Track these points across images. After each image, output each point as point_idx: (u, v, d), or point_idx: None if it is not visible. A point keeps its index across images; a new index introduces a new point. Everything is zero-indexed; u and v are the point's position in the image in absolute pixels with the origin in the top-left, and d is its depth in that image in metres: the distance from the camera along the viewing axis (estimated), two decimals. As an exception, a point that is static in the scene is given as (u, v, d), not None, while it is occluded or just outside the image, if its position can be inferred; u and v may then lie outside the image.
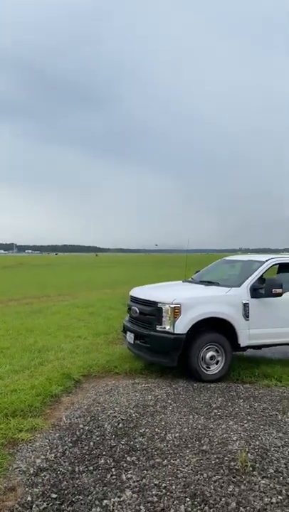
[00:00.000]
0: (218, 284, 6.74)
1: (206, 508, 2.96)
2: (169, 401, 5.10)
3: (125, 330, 6.87)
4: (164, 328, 5.86)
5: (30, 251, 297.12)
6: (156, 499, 3.06)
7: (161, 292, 6.62)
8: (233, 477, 3.35)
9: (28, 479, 3.36)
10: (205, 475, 3.37)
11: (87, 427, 4.34)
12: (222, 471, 3.45)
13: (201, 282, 7.16)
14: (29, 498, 3.09)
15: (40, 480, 3.34)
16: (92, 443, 3.99)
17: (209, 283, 6.93)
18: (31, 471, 3.47)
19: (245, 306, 6.08)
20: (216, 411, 4.80)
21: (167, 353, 5.83)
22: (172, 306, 5.79)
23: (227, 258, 8.38)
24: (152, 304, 6.11)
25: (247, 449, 3.80)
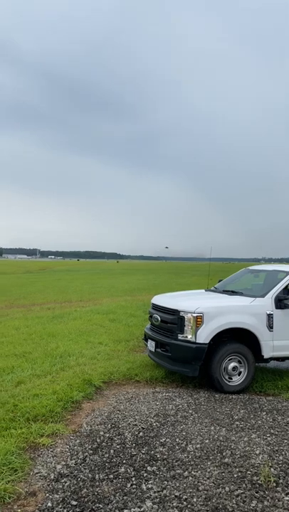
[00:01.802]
0: (241, 294, 6.66)
1: (228, 523, 2.90)
2: (190, 411, 5.05)
3: (146, 338, 6.85)
4: (186, 337, 5.82)
5: (52, 256, 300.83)
6: (176, 511, 3.01)
7: (183, 300, 6.58)
8: (256, 492, 3.27)
9: (48, 485, 3.36)
10: (227, 489, 3.31)
11: (107, 435, 4.33)
12: (244, 485, 3.37)
13: (225, 291, 7.09)
14: (49, 504, 3.09)
15: (61, 486, 3.34)
16: (112, 451, 3.98)
17: (233, 292, 6.86)
18: (52, 477, 3.48)
19: (270, 316, 5.98)
20: (238, 423, 4.72)
21: (189, 362, 5.77)
22: (195, 315, 5.75)
23: (251, 267, 8.27)
24: (174, 312, 6.07)
25: (270, 464, 3.71)
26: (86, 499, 3.17)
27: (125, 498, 3.18)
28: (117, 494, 3.24)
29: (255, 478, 3.48)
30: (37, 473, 3.55)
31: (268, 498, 3.20)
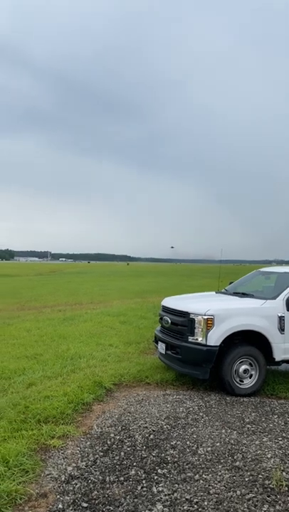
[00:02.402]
0: (252, 296, 6.61)
1: (240, 527, 2.87)
2: (201, 414, 5.02)
3: (157, 340, 6.84)
4: (197, 339, 5.80)
5: (63, 259, 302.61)
6: (187, 514, 3.00)
7: (194, 303, 6.55)
8: (268, 496, 3.24)
9: (59, 486, 3.37)
10: (238, 492, 3.28)
11: (118, 437, 4.32)
12: (256, 489, 3.34)
13: (235, 294, 7.05)
14: (60, 506, 3.10)
15: (72, 488, 3.35)
16: (123, 453, 3.97)
17: (244, 295, 6.81)
18: (63, 479, 3.48)
19: (281, 319, 5.92)
20: (249, 426, 4.68)
21: (199, 365, 5.75)
22: (205, 317, 5.72)
23: (262, 269, 8.21)
24: (185, 314, 6.05)
25: (282, 468, 3.67)
26: (97, 501, 3.17)
27: (136, 500, 3.18)
28: (128, 497, 3.23)
29: (266, 482, 3.44)
30: (48, 474, 3.56)
31: (279, 502, 3.17)
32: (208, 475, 3.56)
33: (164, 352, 6.37)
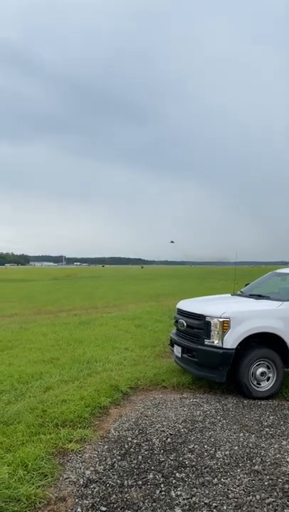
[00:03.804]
0: (268, 298, 6.55)
1: (260, 531, 2.84)
2: (218, 417, 4.99)
3: (172, 343, 6.82)
4: (213, 342, 5.77)
5: (78, 263, 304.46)
6: (206, 519, 2.98)
7: (209, 305, 6.53)
8: (288, 501, 3.20)
9: (78, 490, 3.38)
10: (258, 497, 3.25)
11: (135, 441, 4.32)
12: (276, 493, 3.30)
13: (251, 296, 6.99)
14: (79, 510, 3.11)
15: (90, 492, 3.36)
16: (140, 457, 3.97)
17: (260, 296, 6.76)
18: (81, 482, 3.49)
19: (298, 321, 5.85)
20: (267, 429, 4.63)
21: (216, 368, 5.71)
22: (221, 319, 5.69)
23: (278, 271, 8.13)
24: (200, 317, 6.03)
25: (302, 472, 3.62)
26: (115, 505, 3.17)
27: (154, 504, 3.17)
28: (146, 501, 3.22)
29: (286, 486, 3.40)
30: (66, 478, 3.57)
31: (300, 507, 3.12)
32: (226, 479, 3.53)
33: (180, 355, 6.35)
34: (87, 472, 3.67)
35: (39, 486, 3.37)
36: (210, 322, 5.81)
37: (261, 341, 5.85)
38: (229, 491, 3.33)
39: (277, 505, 3.13)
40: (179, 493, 3.33)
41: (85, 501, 3.22)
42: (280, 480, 3.50)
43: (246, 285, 8.06)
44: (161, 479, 3.55)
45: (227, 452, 4.04)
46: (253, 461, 3.86)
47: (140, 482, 3.51)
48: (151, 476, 3.61)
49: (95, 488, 3.42)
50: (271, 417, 5.01)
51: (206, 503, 3.16)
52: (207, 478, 3.55)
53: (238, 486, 3.42)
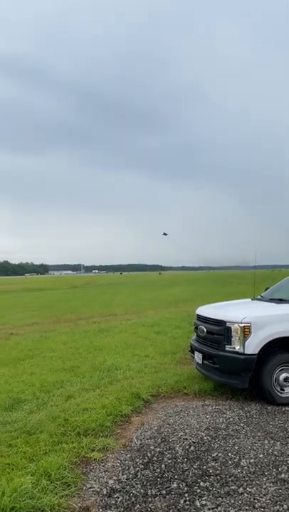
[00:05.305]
0: (289, 302, 6.43)
1: None
2: (242, 424, 4.90)
3: (193, 350, 6.76)
4: (234, 348, 5.69)
5: (96, 271, 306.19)
6: (233, 529, 2.91)
7: (229, 311, 6.45)
8: (317, 511, 3.11)
9: (101, 500, 3.36)
10: (285, 506, 3.17)
11: (158, 449, 4.28)
12: (304, 503, 3.21)
13: (272, 300, 6.88)
14: (103, 520, 3.08)
15: (114, 501, 3.33)
16: (163, 465, 3.92)
17: (281, 301, 6.64)
18: (104, 492, 3.47)
19: None
20: (293, 437, 4.52)
21: (238, 374, 5.63)
22: (242, 325, 5.61)
23: (298, 274, 7.99)
24: (220, 323, 5.96)
25: None
26: (139, 515, 3.13)
27: (179, 514, 3.12)
28: (171, 511, 3.18)
29: (314, 495, 3.31)
30: (89, 488, 3.55)
31: None
32: (252, 488, 3.46)
33: (200, 362, 6.29)
34: (111, 481, 3.64)
35: (62, 496, 3.36)
36: (230, 328, 5.73)
37: (283, 346, 5.75)
38: (255, 501, 3.26)
39: (305, 516, 3.05)
40: (204, 502, 3.27)
41: (108, 511, 3.19)
42: (307, 489, 3.41)
43: (266, 289, 7.95)
44: (185, 488, 3.50)
45: (252, 460, 3.96)
46: (279, 469, 3.77)
47: (164, 491, 3.46)
48: (175, 485, 3.56)
49: (118, 497, 3.39)
50: (296, 424, 4.89)
51: (231, 513, 3.10)
52: (232, 487, 3.49)
53: (264, 495, 3.35)
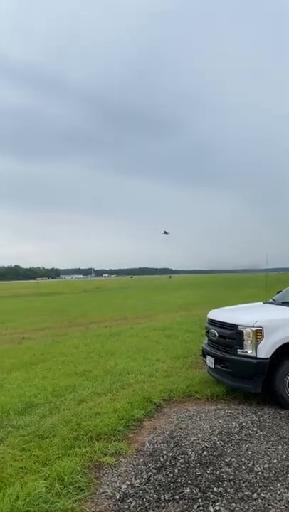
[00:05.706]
0: (302, 305, 6.38)
1: None
2: (255, 429, 4.87)
3: (204, 354, 6.73)
4: (246, 352, 5.65)
5: (107, 275, 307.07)
6: (247, 536, 2.89)
7: (241, 314, 6.41)
8: None
9: (114, 505, 3.36)
10: (300, 512, 3.13)
11: (170, 454, 4.26)
12: None
13: (284, 303, 6.83)
14: (117, 525, 3.08)
15: (127, 506, 3.33)
16: (176, 470, 3.91)
17: (293, 304, 6.59)
18: (117, 497, 3.47)
19: None
20: (307, 442, 4.47)
21: (250, 378, 5.59)
22: (254, 329, 5.58)
23: (310, 277, 7.93)
24: (232, 326, 5.93)
25: None
26: (153, 520, 3.12)
27: (193, 520, 3.10)
28: (184, 516, 3.16)
29: None
30: (103, 492, 3.56)
31: None
32: (266, 493, 3.43)
33: (212, 366, 6.26)
34: (124, 486, 3.64)
35: (76, 501, 3.37)
36: (242, 331, 5.70)
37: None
38: (270, 507, 3.23)
39: None
40: (217, 508, 3.25)
41: (122, 516, 3.19)
42: None
43: (278, 292, 7.90)
44: (199, 494, 3.48)
45: (266, 465, 3.93)
46: (294, 475, 3.73)
47: (177, 497, 3.45)
48: (188, 490, 3.54)
49: (131, 502, 3.38)
50: (310, 429, 4.84)
51: (246, 519, 3.07)
52: (246, 492, 3.46)
53: (279, 501, 3.31)
